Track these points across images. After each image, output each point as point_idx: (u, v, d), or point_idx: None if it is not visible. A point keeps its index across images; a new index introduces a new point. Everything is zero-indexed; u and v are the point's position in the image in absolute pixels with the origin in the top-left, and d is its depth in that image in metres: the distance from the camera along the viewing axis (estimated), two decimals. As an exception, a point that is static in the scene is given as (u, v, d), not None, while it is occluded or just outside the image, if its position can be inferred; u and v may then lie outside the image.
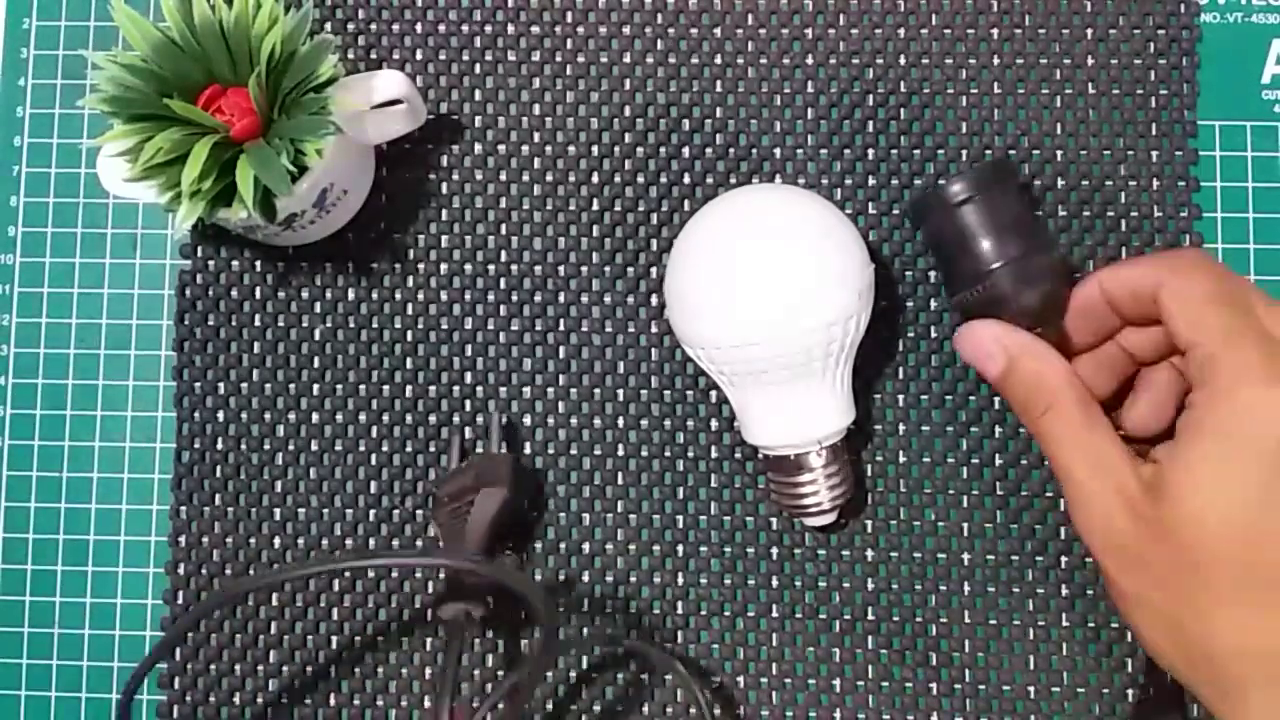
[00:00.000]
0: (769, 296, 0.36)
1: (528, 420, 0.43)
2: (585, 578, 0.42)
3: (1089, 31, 0.43)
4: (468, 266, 0.43)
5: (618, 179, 0.43)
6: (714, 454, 0.42)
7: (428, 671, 0.42)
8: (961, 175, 0.37)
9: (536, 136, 0.44)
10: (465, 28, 0.44)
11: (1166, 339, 0.36)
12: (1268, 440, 0.31)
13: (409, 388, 0.43)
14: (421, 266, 0.43)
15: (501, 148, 0.44)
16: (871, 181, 0.43)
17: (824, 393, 0.38)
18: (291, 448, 0.43)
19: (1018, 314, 0.37)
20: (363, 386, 0.43)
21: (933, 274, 0.43)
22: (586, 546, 0.42)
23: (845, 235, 0.37)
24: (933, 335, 0.42)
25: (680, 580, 0.42)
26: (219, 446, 0.43)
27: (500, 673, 0.42)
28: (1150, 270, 0.35)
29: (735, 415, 0.40)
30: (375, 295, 0.43)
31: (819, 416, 0.38)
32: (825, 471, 0.38)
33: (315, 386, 0.43)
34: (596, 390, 0.43)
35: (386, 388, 0.43)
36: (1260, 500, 0.31)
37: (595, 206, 0.43)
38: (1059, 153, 0.43)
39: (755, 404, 0.38)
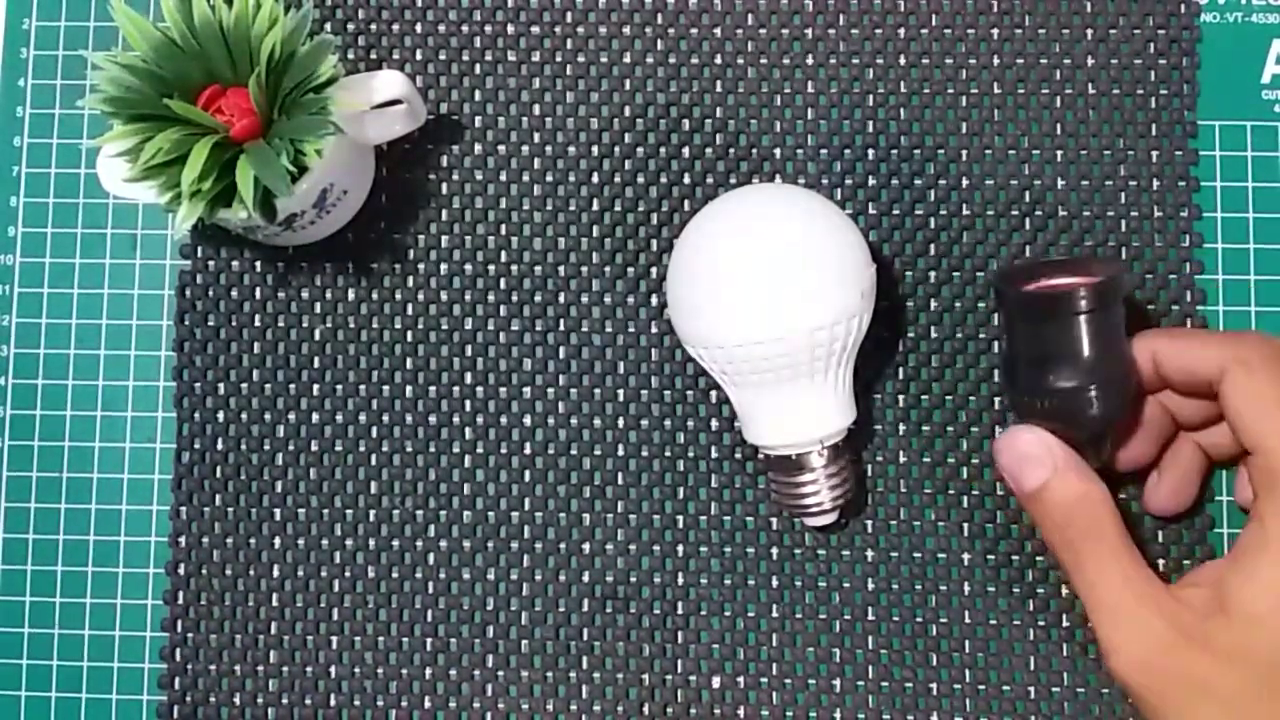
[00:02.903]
0: (770, 296, 0.36)
1: (527, 420, 0.43)
2: (585, 578, 0.42)
3: (1089, 31, 0.43)
4: (468, 266, 0.43)
5: (618, 179, 0.43)
6: (714, 454, 0.42)
7: (428, 671, 0.42)
8: (1090, 288, 0.35)
9: (536, 136, 0.44)
10: (465, 28, 0.44)
11: (1216, 410, 0.35)
12: None
13: (409, 388, 0.43)
14: (421, 266, 0.43)
15: (501, 148, 0.44)
16: (871, 181, 0.43)
17: (825, 392, 0.38)
18: (291, 448, 0.43)
19: (1089, 432, 0.36)
20: (363, 386, 0.43)
21: (933, 274, 0.43)
22: (587, 546, 0.42)
23: (847, 235, 0.37)
24: (933, 335, 0.42)
25: (680, 580, 0.42)
26: (219, 446, 0.43)
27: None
28: (1214, 355, 0.34)
29: (735, 415, 0.40)
30: (375, 295, 0.43)
31: (820, 416, 0.38)
32: (826, 471, 0.38)
33: (315, 386, 0.43)
34: (596, 390, 0.43)
35: (386, 388, 0.43)
36: None
37: (595, 206, 0.43)
38: (1059, 153, 0.43)
39: (756, 403, 0.38)
